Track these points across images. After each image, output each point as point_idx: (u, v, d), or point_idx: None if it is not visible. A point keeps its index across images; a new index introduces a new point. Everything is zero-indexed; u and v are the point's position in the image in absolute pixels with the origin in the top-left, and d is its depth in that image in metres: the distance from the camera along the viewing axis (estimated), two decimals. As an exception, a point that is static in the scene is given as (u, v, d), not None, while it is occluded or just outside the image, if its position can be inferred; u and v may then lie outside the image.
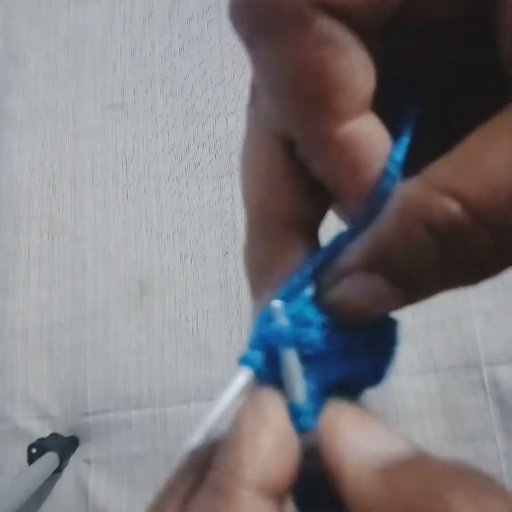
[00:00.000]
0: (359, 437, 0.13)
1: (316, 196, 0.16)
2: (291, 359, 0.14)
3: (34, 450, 0.70)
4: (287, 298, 0.15)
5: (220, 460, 0.13)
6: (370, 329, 0.15)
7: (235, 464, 0.13)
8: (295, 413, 0.14)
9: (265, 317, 0.15)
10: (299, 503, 0.15)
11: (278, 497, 0.13)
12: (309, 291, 0.15)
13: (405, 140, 0.14)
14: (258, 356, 0.15)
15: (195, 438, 0.14)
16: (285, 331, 0.14)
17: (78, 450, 0.74)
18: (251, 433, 0.13)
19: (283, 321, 0.15)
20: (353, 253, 0.14)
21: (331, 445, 0.13)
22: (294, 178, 0.15)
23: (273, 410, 0.14)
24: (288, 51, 0.12)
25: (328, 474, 0.13)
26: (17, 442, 0.74)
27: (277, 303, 0.15)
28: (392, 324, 0.16)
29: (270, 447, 0.13)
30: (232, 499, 0.12)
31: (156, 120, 0.86)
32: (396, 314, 0.15)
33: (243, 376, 0.14)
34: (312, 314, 0.15)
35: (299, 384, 0.14)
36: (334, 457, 0.13)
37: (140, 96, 0.88)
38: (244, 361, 0.15)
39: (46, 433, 0.74)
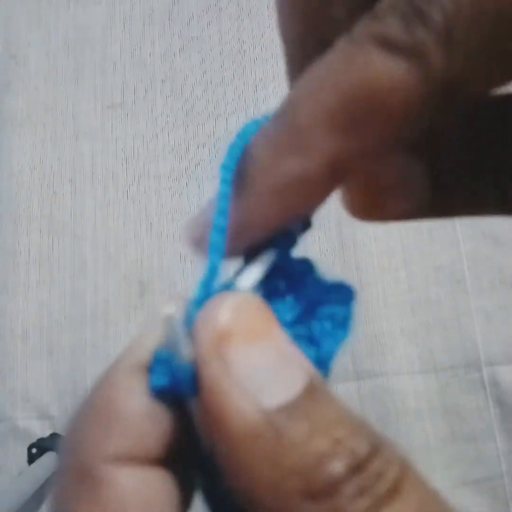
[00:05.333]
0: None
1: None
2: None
3: (34, 450, 0.70)
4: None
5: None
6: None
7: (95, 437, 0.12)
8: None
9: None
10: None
11: (154, 463, 0.13)
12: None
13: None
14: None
15: None
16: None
17: (78, 450, 0.74)
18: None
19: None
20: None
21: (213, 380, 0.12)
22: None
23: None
24: None
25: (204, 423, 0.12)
26: (17, 442, 0.74)
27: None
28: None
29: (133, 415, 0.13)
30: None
31: (156, 120, 0.86)
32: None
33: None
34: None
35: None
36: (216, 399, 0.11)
37: (140, 96, 0.88)
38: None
39: (46, 433, 0.74)
